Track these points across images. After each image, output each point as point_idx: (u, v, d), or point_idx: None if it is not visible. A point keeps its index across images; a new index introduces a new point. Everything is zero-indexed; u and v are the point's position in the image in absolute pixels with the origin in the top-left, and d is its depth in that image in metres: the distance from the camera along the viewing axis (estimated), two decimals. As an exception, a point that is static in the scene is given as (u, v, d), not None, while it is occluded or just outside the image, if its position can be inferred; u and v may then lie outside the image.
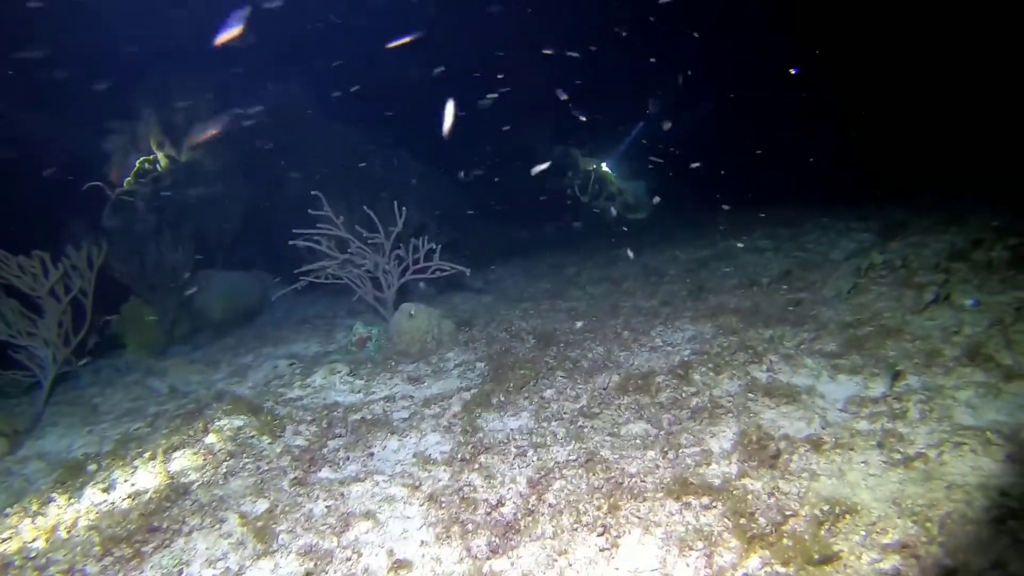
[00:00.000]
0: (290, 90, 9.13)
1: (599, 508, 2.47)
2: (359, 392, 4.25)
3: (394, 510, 2.71)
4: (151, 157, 7.73)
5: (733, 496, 2.37)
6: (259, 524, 2.70)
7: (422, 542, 2.48)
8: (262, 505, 2.87)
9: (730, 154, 9.32)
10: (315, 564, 2.43)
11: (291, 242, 5.53)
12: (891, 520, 2.10)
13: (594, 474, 2.71)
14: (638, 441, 2.96)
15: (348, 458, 3.26)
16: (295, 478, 3.09)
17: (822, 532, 2.11)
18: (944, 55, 8.71)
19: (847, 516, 2.15)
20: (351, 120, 9.54)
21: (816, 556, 1.98)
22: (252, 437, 3.50)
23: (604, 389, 3.58)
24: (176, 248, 7.02)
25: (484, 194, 10.19)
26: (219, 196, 8.19)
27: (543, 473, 2.79)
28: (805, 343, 3.70)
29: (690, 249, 7.24)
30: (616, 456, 2.85)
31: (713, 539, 2.19)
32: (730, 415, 3.02)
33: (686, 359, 3.76)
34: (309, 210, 5.49)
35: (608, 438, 3.04)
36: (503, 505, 2.63)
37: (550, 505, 2.56)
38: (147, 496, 3.05)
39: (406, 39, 6.77)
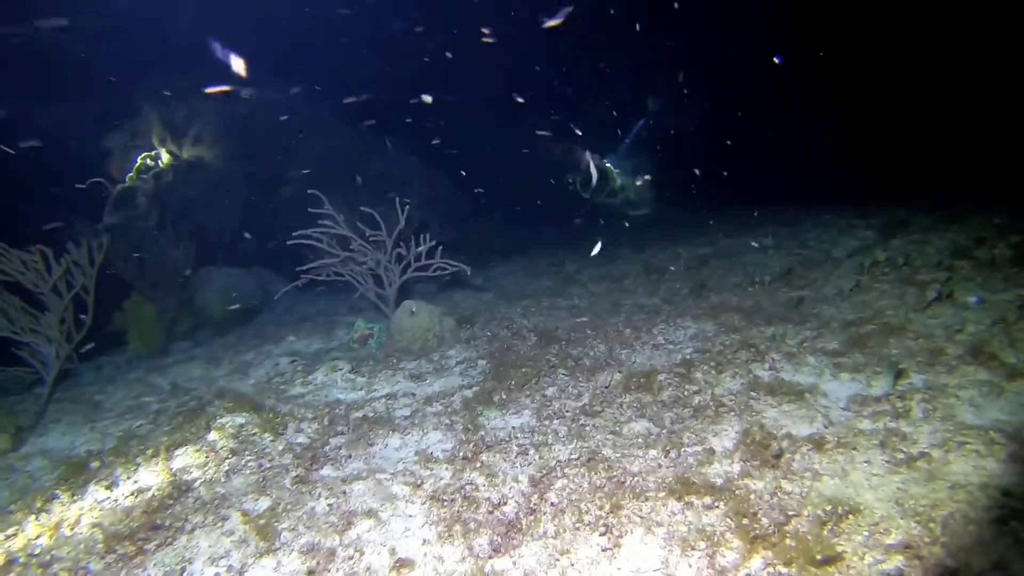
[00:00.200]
0: (291, 89, 9.12)
1: (601, 507, 2.47)
2: (361, 389, 4.25)
3: (396, 508, 2.71)
4: (152, 153, 7.72)
5: (735, 496, 2.37)
6: (261, 522, 2.71)
7: (424, 541, 2.49)
8: (264, 503, 2.87)
9: (730, 153, 9.31)
10: (317, 562, 2.43)
11: (289, 242, 5.51)
12: (894, 520, 2.10)
13: (596, 473, 2.71)
14: (640, 440, 2.96)
15: (350, 456, 3.27)
16: (297, 476, 3.09)
17: (825, 532, 2.11)
18: (944, 55, 8.67)
19: (850, 516, 2.15)
20: (352, 119, 9.54)
21: (819, 556, 1.98)
22: (254, 435, 3.51)
23: (606, 387, 3.58)
24: (177, 245, 7.02)
25: (485, 191, 10.19)
26: (220, 193, 8.19)
27: (545, 472, 2.80)
28: (807, 341, 3.70)
29: (691, 246, 7.23)
30: (618, 455, 2.85)
31: (716, 539, 2.19)
32: (732, 414, 3.02)
33: (688, 357, 3.75)
34: (310, 208, 5.49)
35: (610, 436, 3.04)
36: (505, 504, 2.63)
37: (552, 504, 2.56)
38: (150, 493, 3.06)
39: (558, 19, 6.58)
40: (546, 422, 3.31)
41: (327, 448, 3.38)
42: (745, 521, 2.23)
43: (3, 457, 4.07)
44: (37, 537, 2.86)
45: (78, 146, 7.65)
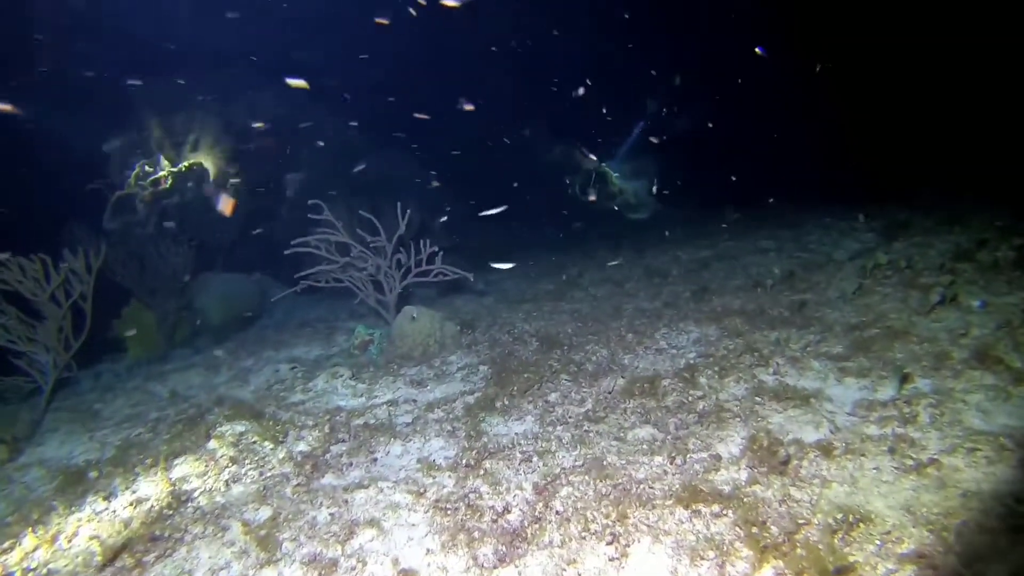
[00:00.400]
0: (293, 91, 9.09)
1: (607, 516, 2.43)
2: (362, 396, 4.21)
3: (399, 517, 2.68)
4: (152, 160, 7.70)
5: (744, 504, 2.34)
6: (262, 532, 2.67)
7: (428, 550, 2.45)
8: (265, 512, 2.83)
9: (729, 154, 9.31)
10: (319, 573, 2.40)
11: (287, 252, 5.45)
12: (906, 529, 2.07)
13: (601, 480, 2.67)
14: (645, 446, 2.93)
15: (351, 464, 3.23)
16: (298, 485, 3.06)
17: (836, 541, 2.07)
18: (944, 55, 8.69)
19: (861, 524, 2.12)
20: (352, 121, 9.53)
21: (831, 567, 1.95)
22: (254, 443, 3.47)
23: (609, 393, 3.55)
24: (176, 251, 6.98)
25: (484, 194, 10.16)
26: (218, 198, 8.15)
27: (549, 479, 2.76)
28: (811, 345, 3.67)
29: (691, 249, 7.21)
30: (623, 462, 2.81)
31: (725, 548, 2.15)
32: (738, 419, 2.99)
33: (691, 362, 3.73)
34: (310, 215, 5.45)
35: (615, 443, 3.01)
36: (509, 512, 2.60)
37: (557, 512, 2.52)
38: (149, 504, 3.02)
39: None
40: (549, 428, 3.28)
41: (328, 456, 3.34)
42: (754, 530, 2.19)
43: (0, 468, 4.02)
44: (34, 550, 2.82)
45: (83, 151, 7.63)
